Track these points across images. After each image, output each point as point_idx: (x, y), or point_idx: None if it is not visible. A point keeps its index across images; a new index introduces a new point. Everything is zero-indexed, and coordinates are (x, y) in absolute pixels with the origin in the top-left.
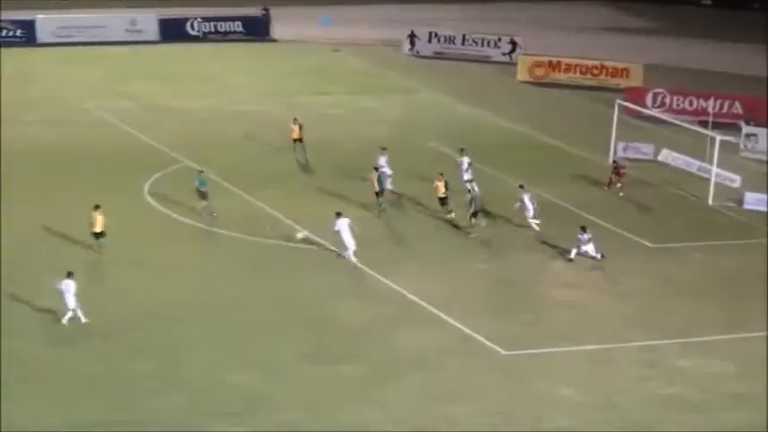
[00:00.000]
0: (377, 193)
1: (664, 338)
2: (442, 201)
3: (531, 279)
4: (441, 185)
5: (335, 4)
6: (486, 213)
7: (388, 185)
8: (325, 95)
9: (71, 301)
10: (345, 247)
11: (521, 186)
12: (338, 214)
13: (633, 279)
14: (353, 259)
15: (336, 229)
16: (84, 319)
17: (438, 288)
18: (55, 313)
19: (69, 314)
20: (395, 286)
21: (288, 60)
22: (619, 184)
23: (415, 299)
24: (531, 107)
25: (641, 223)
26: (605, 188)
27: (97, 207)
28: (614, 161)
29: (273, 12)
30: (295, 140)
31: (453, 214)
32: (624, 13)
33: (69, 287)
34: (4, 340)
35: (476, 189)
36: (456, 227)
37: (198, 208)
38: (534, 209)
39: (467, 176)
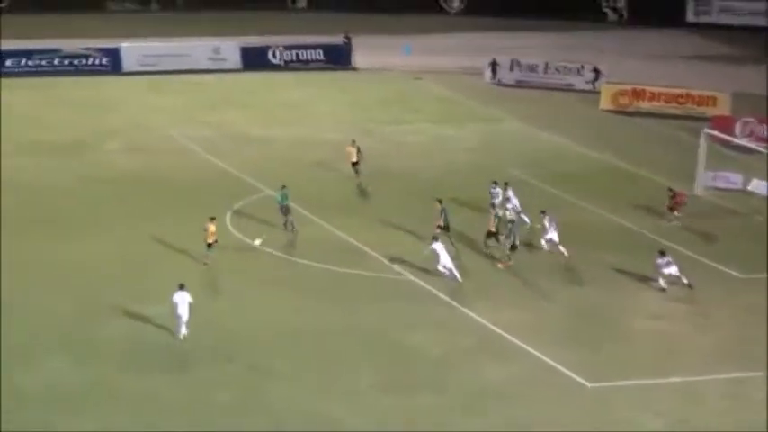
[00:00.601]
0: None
1: (751, 371)
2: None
3: (614, 309)
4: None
5: (417, 33)
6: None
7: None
8: (406, 124)
9: (185, 312)
10: (446, 269)
11: (542, 212)
12: (434, 239)
13: (720, 309)
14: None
15: (435, 251)
16: (183, 332)
17: (519, 318)
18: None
19: (183, 329)
20: (475, 316)
21: (369, 89)
22: (675, 213)
23: (496, 329)
24: (614, 136)
25: (729, 253)
26: (667, 219)
27: (213, 219)
28: (669, 188)
29: (355, 40)
30: (353, 164)
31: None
32: (711, 41)
33: (185, 298)
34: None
35: (525, 219)
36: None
37: (284, 224)
38: (554, 233)
39: (510, 204)
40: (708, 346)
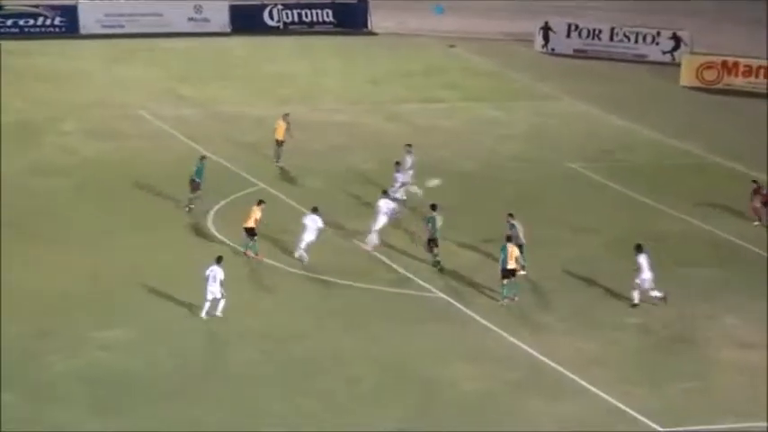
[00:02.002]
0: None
1: None
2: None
3: (692, 335)
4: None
5: None
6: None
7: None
8: (437, 103)
9: (217, 289)
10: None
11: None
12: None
13: None
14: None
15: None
16: (217, 312)
17: (575, 348)
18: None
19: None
20: (521, 345)
21: (390, 58)
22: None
23: (547, 360)
24: (699, 119)
25: None
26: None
27: (261, 202)
28: (754, 181)
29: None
30: (278, 143)
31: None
32: None
33: (217, 274)
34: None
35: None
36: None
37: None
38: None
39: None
40: None
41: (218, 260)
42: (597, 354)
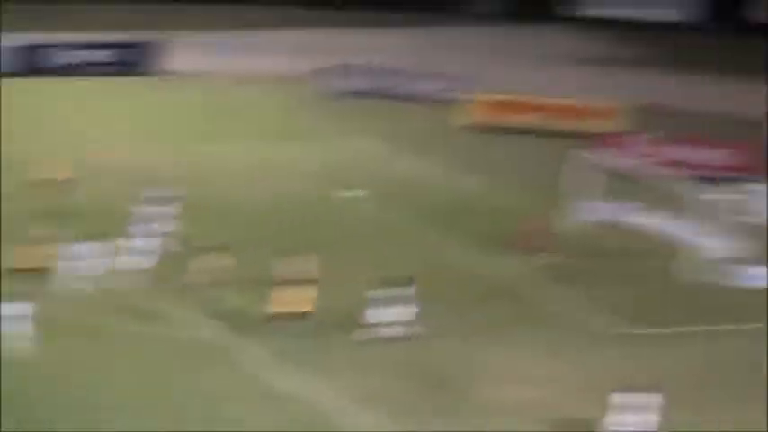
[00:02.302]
0: None
1: None
2: None
3: (464, 374)
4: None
5: (239, 28)
6: None
7: None
8: (225, 142)
9: None
10: None
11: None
12: None
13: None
14: None
15: None
16: None
17: (358, 389)
18: None
19: None
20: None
21: (176, 97)
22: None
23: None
24: (483, 159)
25: (615, 301)
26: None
27: None
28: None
29: (157, 38)
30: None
31: None
32: (605, 41)
33: None
34: None
35: None
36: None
37: None
38: None
39: None
40: None
41: None
42: (375, 391)
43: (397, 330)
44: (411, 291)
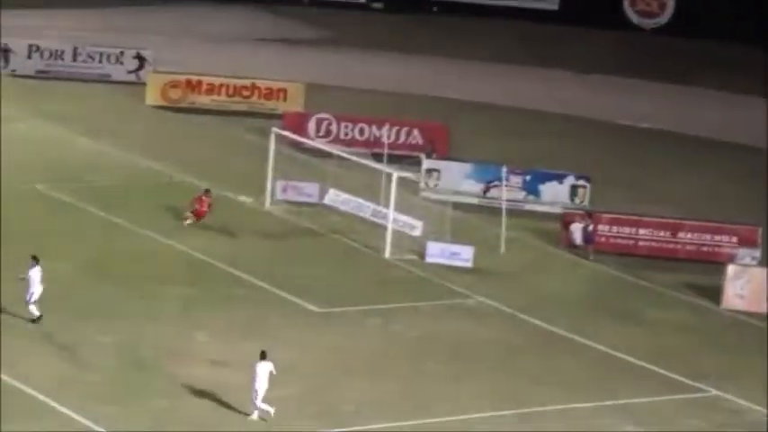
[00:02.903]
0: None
1: (333, 426)
2: None
3: (165, 354)
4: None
5: None
6: None
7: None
8: None
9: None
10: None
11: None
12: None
13: (294, 353)
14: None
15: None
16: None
17: (49, 370)
18: None
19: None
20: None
21: None
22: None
23: (19, 384)
24: (167, 139)
25: (304, 282)
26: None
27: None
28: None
29: None
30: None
31: None
32: (283, 20)
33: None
34: None
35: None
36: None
37: None
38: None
39: None
40: (278, 398)
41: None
42: (70, 375)
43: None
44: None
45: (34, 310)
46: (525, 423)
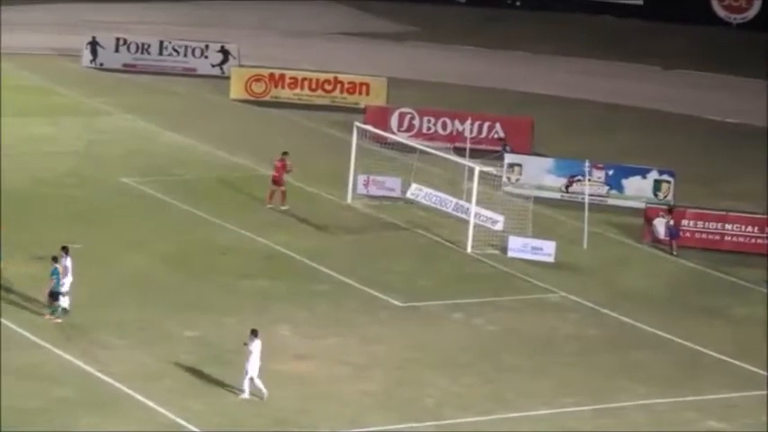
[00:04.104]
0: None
1: (414, 421)
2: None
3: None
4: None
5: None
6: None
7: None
8: None
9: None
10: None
11: (64, 249)
12: (254, 333)
13: (376, 347)
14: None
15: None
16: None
17: (133, 363)
18: None
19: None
20: (75, 361)
21: None
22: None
23: (102, 376)
24: (250, 133)
25: (386, 277)
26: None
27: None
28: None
29: None
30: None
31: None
32: (365, 14)
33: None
34: None
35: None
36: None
37: None
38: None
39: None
40: (362, 392)
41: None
42: (155, 368)
43: None
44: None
45: (65, 303)
46: (606, 417)
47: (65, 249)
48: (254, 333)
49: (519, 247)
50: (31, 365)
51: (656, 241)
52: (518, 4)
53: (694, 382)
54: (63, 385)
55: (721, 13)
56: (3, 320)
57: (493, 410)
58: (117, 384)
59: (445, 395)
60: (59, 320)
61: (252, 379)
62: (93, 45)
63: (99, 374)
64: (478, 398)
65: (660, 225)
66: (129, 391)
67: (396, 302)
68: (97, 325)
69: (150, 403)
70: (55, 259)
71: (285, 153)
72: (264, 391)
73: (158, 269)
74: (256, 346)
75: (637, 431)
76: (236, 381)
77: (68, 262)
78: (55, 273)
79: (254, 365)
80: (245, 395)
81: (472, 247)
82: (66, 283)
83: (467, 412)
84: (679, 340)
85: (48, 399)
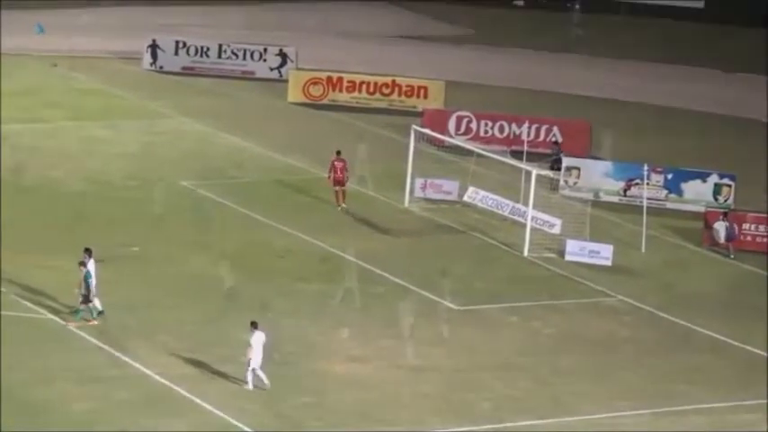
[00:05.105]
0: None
1: (471, 424)
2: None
3: (306, 350)
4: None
5: (52, 8)
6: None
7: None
8: (42, 123)
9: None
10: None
11: (87, 251)
12: (254, 325)
13: (433, 349)
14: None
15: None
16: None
17: (189, 365)
18: None
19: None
20: (134, 363)
21: None
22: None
23: (160, 378)
24: (308, 136)
25: (443, 279)
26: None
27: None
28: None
29: None
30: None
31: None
32: (423, 17)
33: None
34: None
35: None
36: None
37: None
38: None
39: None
40: (419, 395)
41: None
42: (211, 370)
43: None
44: None
45: (98, 304)
46: (664, 420)
47: (88, 251)
48: (254, 325)
49: (576, 250)
50: (91, 367)
51: (714, 245)
52: (576, 7)
53: (753, 385)
54: (121, 388)
55: None
56: (68, 325)
57: (550, 414)
58: (175, 387)
59: (502, 398)
60: (95, 322)
61: (254, 370)
62: (153, 48)
63: (157, 377)
64: (536, 401)
65: (721, 228)
66: (187, 394)
67: (452, 305)
68: (156, 327)
69: (209, 406)
70: (83, 264)
71: (338, 152)
72: (267, 382)
73: (217, 272)
74: (257, 339)
75: None
76: (295, 381)
77: (92, 265)
78: (88, 276)
79: (256, 357)
80: (249, 386)
81: (529, 250)
82: (92, 284)
83: (524, 416)
84: (737, 344)
85: (107, 401)
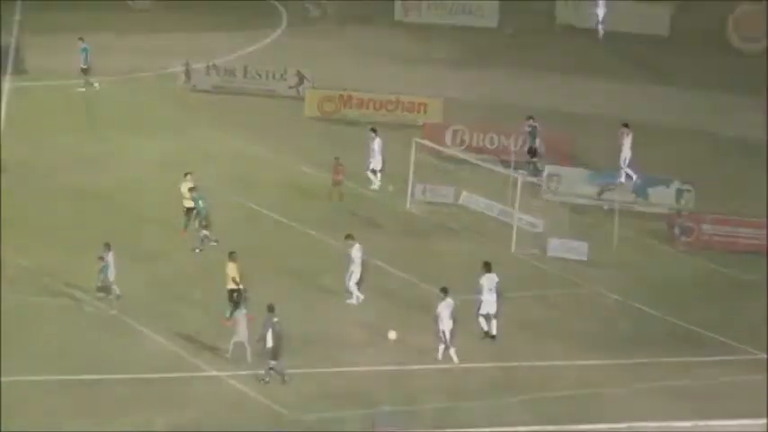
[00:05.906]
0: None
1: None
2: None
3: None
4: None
5: (95, 30)
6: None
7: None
8: (83, 133)
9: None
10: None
11: (107, 245)
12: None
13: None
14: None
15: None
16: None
17: None
18: None
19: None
20: None
21: (36, 95)
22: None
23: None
24: (323, 147)
25: (440, 273)
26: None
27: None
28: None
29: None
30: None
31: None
32: (423, 41)
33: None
34: None
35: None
36: None
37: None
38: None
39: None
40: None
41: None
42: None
43: None
44: None
45: (117, 290)
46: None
47: (107, 246)
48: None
49: (557, 247)
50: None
51: (675, 241)
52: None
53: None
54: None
55: None
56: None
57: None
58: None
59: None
60: (114, 312)
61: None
62: (187, 68)
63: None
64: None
65: (677, 227)
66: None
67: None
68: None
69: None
70: (101, 258)
71: (337, 158)
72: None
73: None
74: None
75: None
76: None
77: (111, 257)
78: (104, 269)
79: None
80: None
81: (516, 247)
82: (112, 275)
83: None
84: (694, 328)
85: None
